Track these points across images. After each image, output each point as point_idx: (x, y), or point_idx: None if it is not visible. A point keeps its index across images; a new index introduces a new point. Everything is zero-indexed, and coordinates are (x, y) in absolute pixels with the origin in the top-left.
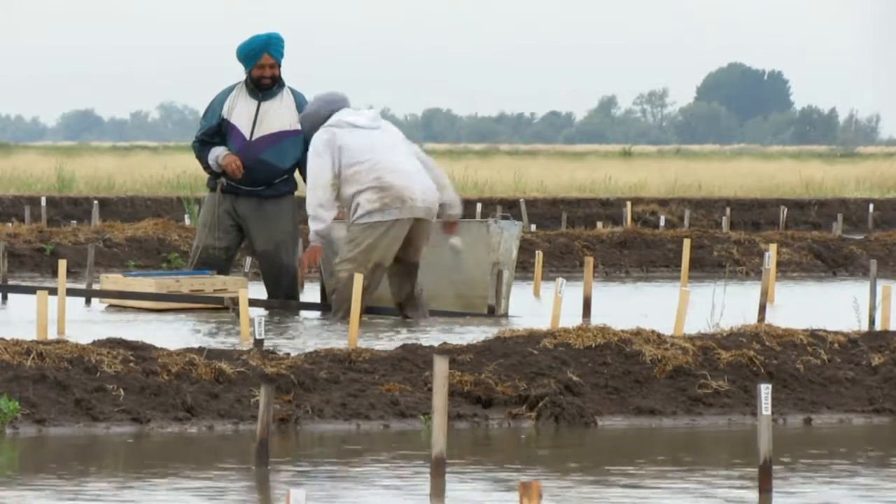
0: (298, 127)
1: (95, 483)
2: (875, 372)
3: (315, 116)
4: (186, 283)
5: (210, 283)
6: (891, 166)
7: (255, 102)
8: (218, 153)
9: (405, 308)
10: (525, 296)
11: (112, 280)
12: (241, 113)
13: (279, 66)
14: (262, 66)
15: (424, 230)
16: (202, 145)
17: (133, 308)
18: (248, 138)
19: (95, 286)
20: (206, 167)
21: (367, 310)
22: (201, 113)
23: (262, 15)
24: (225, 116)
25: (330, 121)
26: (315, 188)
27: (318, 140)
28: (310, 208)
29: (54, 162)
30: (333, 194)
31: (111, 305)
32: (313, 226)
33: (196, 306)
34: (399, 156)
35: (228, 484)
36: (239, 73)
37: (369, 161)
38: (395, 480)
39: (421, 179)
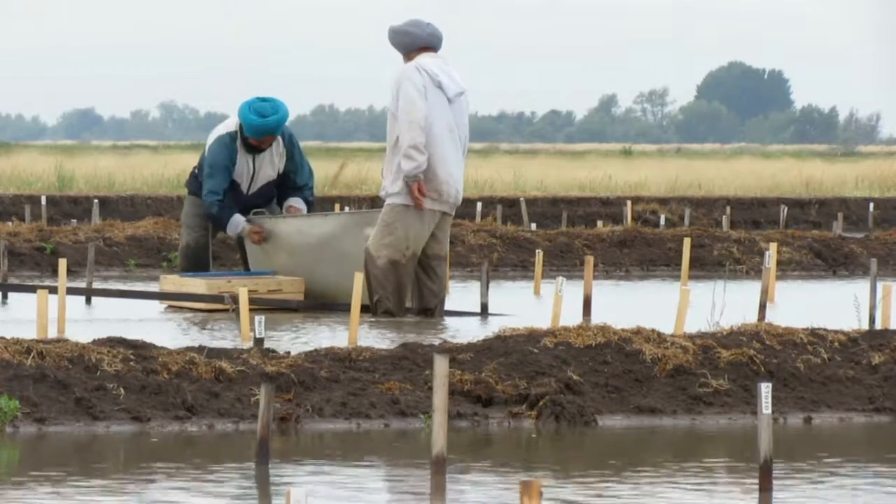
0: (281, 169)
1: (95, 482)
2: (875, 371)
3: (411, 38)
4: (249, 283)
5: (265, 283)
6: (891, 165)
7: (251, 157)
8: (241, 227)
9: (432, 310)
10: (525, 294)
11: (171, 281)
12: (241, 169)
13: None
14: (262, 140)
15: (448, 224)
16: (221, 206)
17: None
18: (246, 192)
19: (97, 285)
20: (218, 226)
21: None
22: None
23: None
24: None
25: (424, 63)
26: (412, 126)
27: (417, 78)
28: (404, 146)
29: (54, 161)
30: (425, 140)
31: (171, 306)
32: (407, 165)
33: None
34: (455, 143)
35: (229, 483)
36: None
37: (431, 142)
38: (395, 480)
39: (460, 173)
